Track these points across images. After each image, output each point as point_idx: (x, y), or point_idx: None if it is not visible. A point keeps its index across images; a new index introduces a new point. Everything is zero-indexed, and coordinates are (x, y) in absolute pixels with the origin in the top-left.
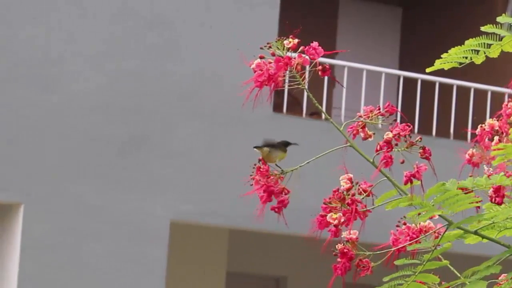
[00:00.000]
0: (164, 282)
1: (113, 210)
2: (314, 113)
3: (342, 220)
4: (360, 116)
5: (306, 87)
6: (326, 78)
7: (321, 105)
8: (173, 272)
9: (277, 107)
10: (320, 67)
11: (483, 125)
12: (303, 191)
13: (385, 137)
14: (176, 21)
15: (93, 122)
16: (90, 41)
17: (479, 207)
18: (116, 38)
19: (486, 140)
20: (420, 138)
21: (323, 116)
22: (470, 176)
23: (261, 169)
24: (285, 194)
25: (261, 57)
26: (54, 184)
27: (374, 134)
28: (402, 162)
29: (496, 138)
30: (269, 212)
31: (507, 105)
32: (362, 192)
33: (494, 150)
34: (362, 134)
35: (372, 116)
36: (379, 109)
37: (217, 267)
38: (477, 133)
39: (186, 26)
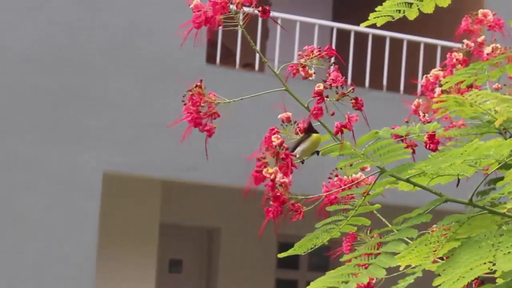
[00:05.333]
0: (97, 234)
1: (46, 162)
2: (247, 65)
3: (279, 174)
4: (300, 55)
5: (243, 28)
6: (259, 30)
7: (254, 56)
8: (106, 223)
9: (210, 59)
10: (260, 8)
11: (429, 75)
12: (237, 143)
13: (316, 88)
14: None
15: (25, 74)
16: None
17: (414, 152)
18: None
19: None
20: (353, 89)
21: (257, 66)
22: (406, 122)
23: (194, 99)
24: (214, 119)
25: None
26: None
27: (314, 73)
28: (332, 114)
29: (438, 89)
30: (202, 163)
31: (451, 55)
32: (299, 131)
33: (436, 102)
34: (302, 73)
35: (312, 57)
36: (319, 50)
37: (150, 218)
38: (420, 84)
39: None
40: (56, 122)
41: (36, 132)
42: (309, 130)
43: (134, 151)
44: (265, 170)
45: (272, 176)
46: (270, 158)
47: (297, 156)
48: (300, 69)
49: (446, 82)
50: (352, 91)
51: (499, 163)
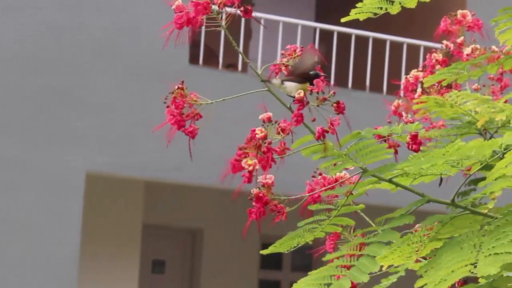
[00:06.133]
0: (79, 234)
1: (29, 161)
2: (230, 65)
3: (257, 167)
4: (283, 55)
5: (225, 28)
6: (242, 30)
7: (237, 57)
8: (89, 224)
9: (193, 59)
10: (242, 8)
11: (408, 76)
12: (220, 144)
13: (296, 95)
14: None
15: (10, 74)
16: None
17: (397, 153)
18: None
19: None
20: (334, 93)
21: (240, 66)
22: (389, 122)
23: (177, 101)
24: (196, 120)
25: None
26: None
27: None
28: (313, 120)
29: (419, 90)
30: (186, 164)
31: (431, 56)
32: (281, 131)
33: (417, 103)
34: (285, 72)
35: (294, 56)
36: (302, 48)
37: (134, 219)
38: (402, 84)
39: None
40: (39, 122)
41: (19, 132)
42: (309, 78)
43: (117, 151)
44: (244, 160)
45: (250, 168)
46: (252, 150)
47: (284, 84)
48: (283, 68)
49: (427, 81)
50: (333, 95)
51: (481, 164)
